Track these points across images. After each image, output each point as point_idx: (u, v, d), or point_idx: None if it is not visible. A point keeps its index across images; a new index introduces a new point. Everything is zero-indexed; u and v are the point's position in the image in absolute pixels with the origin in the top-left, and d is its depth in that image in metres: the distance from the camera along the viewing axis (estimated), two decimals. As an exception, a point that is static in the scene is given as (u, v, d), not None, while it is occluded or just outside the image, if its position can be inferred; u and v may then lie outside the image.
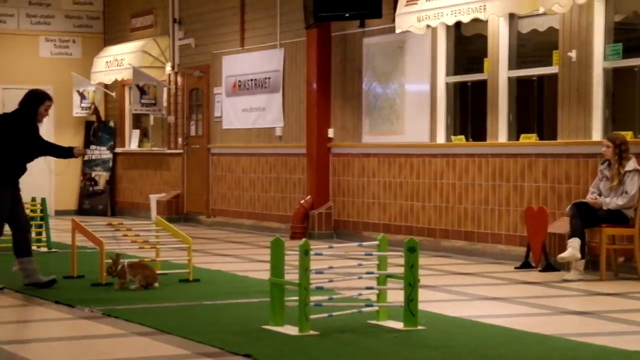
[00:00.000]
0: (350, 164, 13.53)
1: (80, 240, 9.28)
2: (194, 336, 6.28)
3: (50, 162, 18.97)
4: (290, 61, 14.61)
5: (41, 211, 11.86)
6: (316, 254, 6.52)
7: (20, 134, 8.53)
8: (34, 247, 11.74)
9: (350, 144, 13.52)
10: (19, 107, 8.65)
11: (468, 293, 8.54)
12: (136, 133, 18.82)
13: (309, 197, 13.88)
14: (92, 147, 19.15)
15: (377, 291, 6.84)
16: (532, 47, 11.49)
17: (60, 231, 13.71)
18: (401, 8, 11.74)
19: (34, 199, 12.14)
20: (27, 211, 12.10)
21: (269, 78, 15.00)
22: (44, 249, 11.66)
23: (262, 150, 15.21)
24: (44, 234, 11.83)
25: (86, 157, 19.16)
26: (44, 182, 18.79)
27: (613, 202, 9.44)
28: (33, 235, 11.97)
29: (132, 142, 18.85)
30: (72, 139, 19.12)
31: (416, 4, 11.52)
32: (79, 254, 9.30)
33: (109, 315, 7.15)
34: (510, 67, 11.30)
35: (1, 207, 8.44)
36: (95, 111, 19.02)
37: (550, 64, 10.78)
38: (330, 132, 13.79)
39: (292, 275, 6.52)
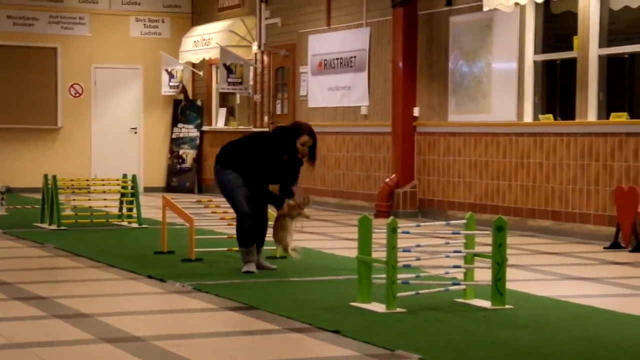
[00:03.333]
0: (436, 143, 13.48)
1: (169, 217, 9.46)
2: (282, 312, 6.36)
3: (139, 140, 19.33)
4: (376, 40, 14.59)
5: (132, 188, 12.12)
6: (403, 232, 6.54)
7: (260, 154, 8.02)
8: (124, 223, 12.08)
9: (436, 122, 13.47)
10: (276, 135, 8.11)
11: (556, 273, 8.47)
12: (223, 111, 19.03)
13: (393, 175, 13.89)
14: (180, 125, 19.45)
15: (464, 270, 6.83)
16: (623, 24, 11.27)
17: (149, 207, 13.98)
18: (489, -15, 11.63)
19: (124, 176, 12.41)
20: (118, 187, 12.47)
21: (355, 57, 15.01)
22: (135, 225, 11.91)
23: (347, 128, 15.25)
24: (134, 210, 12.08)
25: (174, 135, 19.47)
26: (133, 159, 19.18)
27: None
28: (124, 211, 12.28)
29: (219, 121, 19.07)
30: (160, 117, 19.46)
31: (504, -19, 11.40)
32: (169, 230, 9.48)
33: (199, 290, 7.29)
34: (601, 45, 11.12)
35: (225, 185, 8.10)
36: (183, 90, 19.30)
37: (642, 41, 10.58)
38: (416, 111, 13.76)
39: (378, 253, 6.55)
